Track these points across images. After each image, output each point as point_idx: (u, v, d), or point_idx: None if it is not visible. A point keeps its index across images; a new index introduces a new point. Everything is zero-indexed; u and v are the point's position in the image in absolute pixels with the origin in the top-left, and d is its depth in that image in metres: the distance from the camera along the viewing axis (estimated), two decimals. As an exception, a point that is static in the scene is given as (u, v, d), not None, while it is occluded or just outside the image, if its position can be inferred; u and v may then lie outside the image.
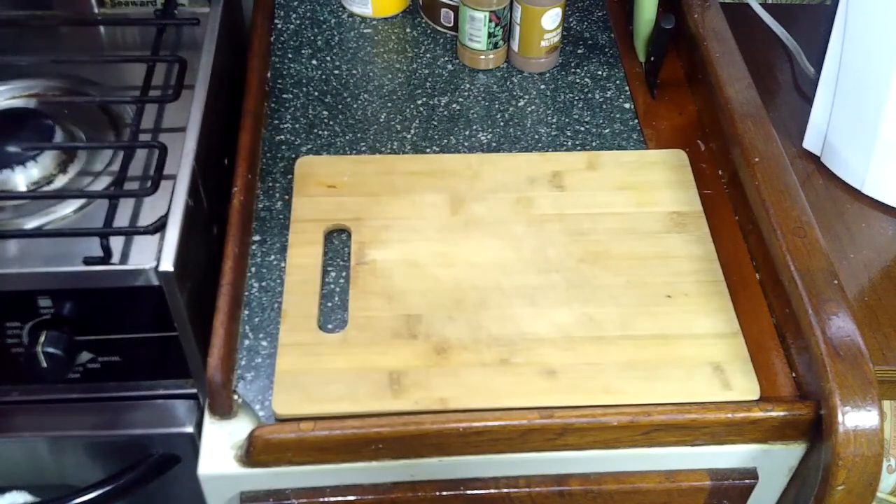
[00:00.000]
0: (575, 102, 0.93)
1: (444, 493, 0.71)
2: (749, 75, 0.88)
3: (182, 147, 0.76)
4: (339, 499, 0.70)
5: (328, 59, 0.97)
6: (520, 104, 0.93)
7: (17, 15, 0.91)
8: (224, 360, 0.68)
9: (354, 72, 0.95)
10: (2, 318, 0.71)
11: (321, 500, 0.69)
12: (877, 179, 0.91)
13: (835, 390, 0.65)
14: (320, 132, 0.89)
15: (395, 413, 0.67)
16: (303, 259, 0.77)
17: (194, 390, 0.78)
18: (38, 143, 0.77)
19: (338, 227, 0.80)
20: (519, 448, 0.69)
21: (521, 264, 0.77)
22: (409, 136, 0.89)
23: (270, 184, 0.84)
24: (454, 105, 0.92)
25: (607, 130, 0.90)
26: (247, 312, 0.74)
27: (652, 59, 0.93)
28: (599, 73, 0.96)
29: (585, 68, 0.97)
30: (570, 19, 1.03)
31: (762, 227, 0.77)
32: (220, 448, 0.68)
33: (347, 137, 0.88)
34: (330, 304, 0.75)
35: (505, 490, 0.71)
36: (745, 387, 0.70)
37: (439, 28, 1.00)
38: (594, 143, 0.89)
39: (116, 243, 0.70)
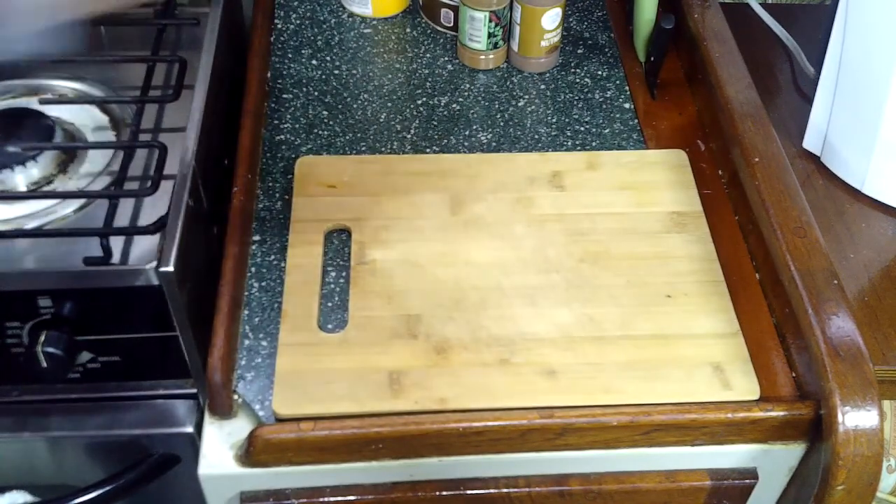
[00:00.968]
0: (575, 102, 0.93)
1: (444, 493, 0.71)
2: (749, 75, 0.88)
3: (182, 147, 0.76)
4: (339, 499, 0.70)
5: (328, 59, 0.97)
6: (520, 104, 0.93)
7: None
8: (224, 360, 0.68)
9: (354, 72, 0.95)
10: (2, 318, 0.71)
11: (321, 500, 0.69)
12: (877, 179, 0.91)
13: (835, 390, 0.65)
14: (320, 132, 0.89)
15: (395, 413, 0.67)
16: (303, 259, 0.77)
17: (194, 390, 0.78)
18: (38, 143, 0.77)
19: (338, 227, 0.80)
20: (519, 448, 0.69)
21: (520, 264, 0.77)
22: (409, 136, 0.89)
23: (270, 184, 0.84)
24: (454, 105, 0.92)
25: (607, 130, 0.90)
26: (247, 312, 0.74)
27: (652, 59, 0.93)
28: (599, 73, 0.96)
29: (585, 68, 0.97)
30: (570, 19, 1.03)
31: (762, 227, 0.77)
32: (220, 448, 0.68)
33: (347, 137, 0.88)
34: (330, 304, 0.75)
35: (505, 490, 0.71)
36: (745, 387, 0.70)
37: (439, 28, 1.00)
38: (594, 143, 0.89)
39: (116, 243, 0.70)
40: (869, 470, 0.64)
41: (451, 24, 0.99)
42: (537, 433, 0.67)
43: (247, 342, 0.73)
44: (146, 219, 0.72)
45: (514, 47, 0.95)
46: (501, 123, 0.91)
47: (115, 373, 0.75)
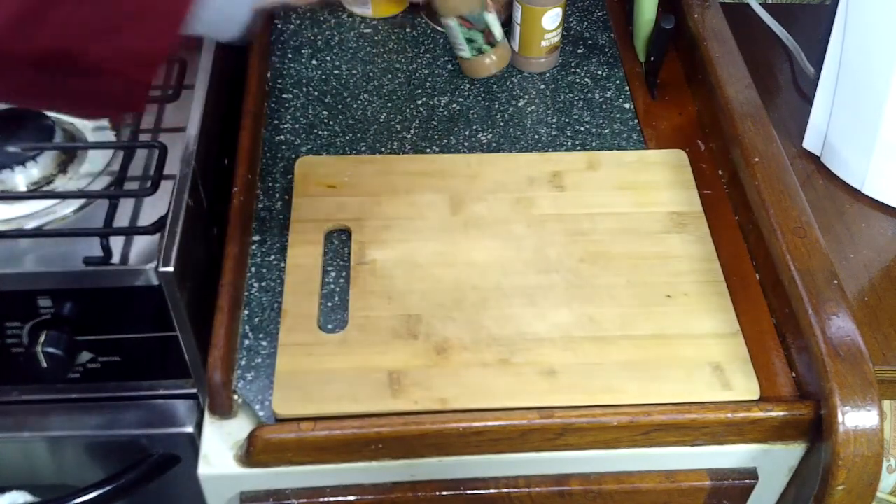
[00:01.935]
0: (575, 102, 0.93)
1: (444, 493, 0.71)
2: (749, 75, 0.88)
3: (182, 147, 0.76)
4: (339, 499, 0.70)
5: (328, 59, 0.97)
6: (520, 104, 0.93)
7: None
8: (224, 360, 0.68)
9: (354, 72, 0.95)
10: (2, 318, 0.71)
11: (321, 500, 0.69)
12: (877, 179, 0.91)
13: (835, 390, 0.65)
14: (320, 132, 0.89)
15: (394, 413, 0.67)
16: (303, 259, 0.77)
17: (194, 390, 0.78)
18: (38, 143, 0.77)
19: (338, 227, 0.80)
20: (519, 448, 0.69)
21: (521, 264, 0.77)
22: (409, 136, 0.89)
23: (270, 184, 0.84)
24: (454, 105, 0.92)
25: (607, 130, 0.90)
26: (247, 312, 0.74)
27: (652, 59, 0.93)
28: (599, 73, 0.96)
29: (585, 68, 0.97)
30: (570, 19, 1.03)
31: (762, 227, 0.77)
32: (219, 448, 0.68)
33: (347, 137, 0.88)
34: (330, 304, 0.75)
35: (505, 490, 0.71)
36: (744, 387, 0.70)
37: (439, 28, 1.00)
38: (594, 143, 0.89)
39: (116, 243, 0.70)
40: (869, 470, 0.64)
41: (451, 24, 0.99)
42: (537, 433, 0.67)
43: (247, 342, 0.73)
44: (146, 219, 0.72)
45: (515, 47, 0.95)
46: (501, 123, 0.91)
47: (115, 373, 0.76)
